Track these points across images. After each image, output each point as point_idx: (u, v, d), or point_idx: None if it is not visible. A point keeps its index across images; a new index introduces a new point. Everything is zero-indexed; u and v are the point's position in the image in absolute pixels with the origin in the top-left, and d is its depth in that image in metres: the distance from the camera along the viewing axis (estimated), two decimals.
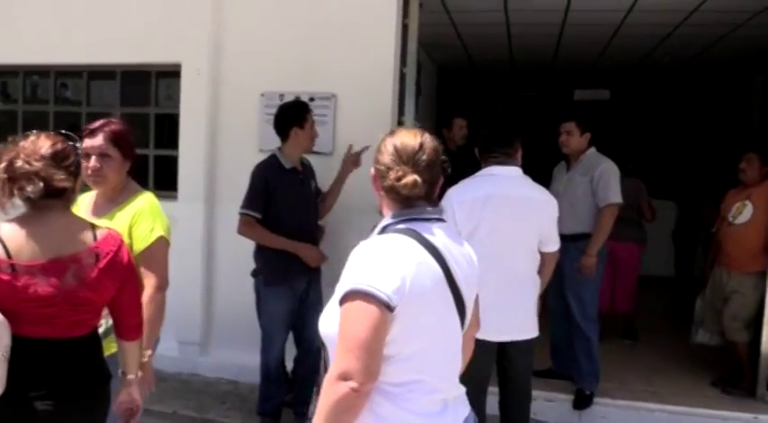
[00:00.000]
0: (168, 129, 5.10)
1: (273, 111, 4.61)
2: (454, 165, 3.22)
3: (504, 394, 3.22)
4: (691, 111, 11.12)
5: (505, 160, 3.07)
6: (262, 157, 4.34)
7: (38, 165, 2.01)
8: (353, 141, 4.16)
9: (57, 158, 2.06)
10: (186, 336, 4.90)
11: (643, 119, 11.34)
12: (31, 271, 1.98)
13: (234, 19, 4.83)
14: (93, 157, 2.56)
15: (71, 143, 2.15)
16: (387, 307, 1.53)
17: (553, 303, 4.58)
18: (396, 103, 4.60)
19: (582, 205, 4.34)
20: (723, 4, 5.43)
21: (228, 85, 4.86)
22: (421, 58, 7.24)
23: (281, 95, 4.67)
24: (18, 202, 2.07)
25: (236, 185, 4.64)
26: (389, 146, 1.74)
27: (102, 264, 2.09)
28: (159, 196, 4.88)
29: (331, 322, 1.61)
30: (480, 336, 2.92)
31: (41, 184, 2.00)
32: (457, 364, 1.77)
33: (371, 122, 4.47)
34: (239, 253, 4.09)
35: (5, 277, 1.96)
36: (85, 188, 2.68)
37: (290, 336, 3.96)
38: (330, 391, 1.51)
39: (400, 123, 4.68)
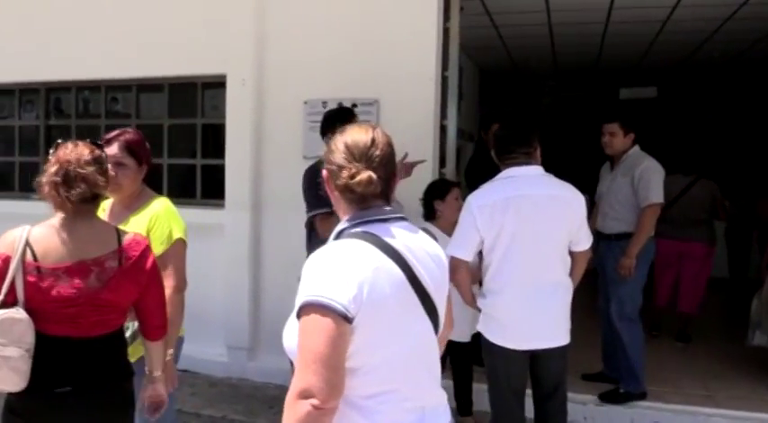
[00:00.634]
0: (214, 139, 5.19)
1: (317, 118, 4.69)
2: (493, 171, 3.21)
3: (538, 402, 3.14)
4: (741, 106, 10.80)
5: (526, 160, 2.98)
6: (306, 163, 4.36)
7: (88, 169, 2.14)
8: (397, 146, 4.15)
9: (98, 164, 2.18)
10: (235, 341, 4.97)
11: (692, 116, 11.08)
12: (55, 273, 2.09)
13: (276, 29, 4.90)
14: (110, 166, 2.64)
15: (103, 152, 2.27)
16: (344, 318, 1.44)
17: (602, 305, 4.51)
18: (438, 107, 4.59)
19: (624, 205, 4.28)
20: None
21: (272, 95, 4.92)
22: (462, 62, 7.23)
23: (324, 103, 4.70)
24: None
25: (282, 193, 4.75)
26: (340, 144, 1.65)
27: (124, 267, 2.18)
28: (207, 205, 5.13)
29: (292, 335, 1.53)
30: (510, 345, 2.95)
31: (87, 188, 2.12)
32: (433, 370, 1.68)
33: (414, 127, 4.49)
34: (285, 259, 4.14)
35: (32, 279, 2.07)
36: None
37: None
38: (291, 411, 1.42)
39: (443, 128, 4.68)
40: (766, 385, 4.59)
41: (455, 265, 2.96)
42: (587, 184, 5.49)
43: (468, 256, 2.96)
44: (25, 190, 5.64)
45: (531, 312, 2.93)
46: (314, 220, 3.67)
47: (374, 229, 1.60)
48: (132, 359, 2.38)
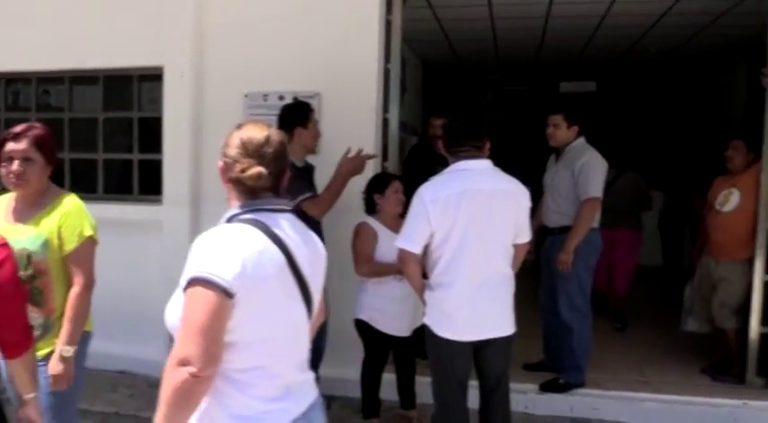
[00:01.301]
0: (152, 133, 5.05)
1: (258, 111, 4.68)
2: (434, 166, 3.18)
3: (483, 392, 3.19)
4: (677, 100, 11.14)
5: (476, 154, 3.01)
6: None
7: None
8: (339, 139, 4.14)
9: None
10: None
11: (630, 109, 11.37)
12: None
13: (216, 20, 4.80)
14: (17, 161, 2.58)
15: None
16: (226, 293, 1.56)
17: (543, 296, 4.59)
18: (380, 100, 4.58)
19: (565, 198, 4.32)
20: None
21: (212, 87, 4.82)
22: (405, 55, 7.24)
23: (265, 96, 4.65)
24: None
25: (222, 188, 4.65)
26: (236, 139, 1.78)
27: None
28: (144, 201, 5.00)
29: (175, 312, 1.64)
30: (457, 337, 2.98)
31: None
32: (302, 351, 1.82)
33: (356, 120, 4.47)
34: None
35: None
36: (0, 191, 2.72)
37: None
38: (170, 378, 1.54)
39: (385, 121, 4.68)
40: (698, 369, 4.76)
41: (405, 257, 2.99)
42: (532, 176, 5.57)
43: (417, 248, 2.97)
44: None
45: (480, 304, 2.96)
46: (301, 207, 3.64)
47: (261, 217, 1.73)
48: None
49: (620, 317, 6.17)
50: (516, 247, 3.08)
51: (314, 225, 3.72)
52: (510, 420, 3.23)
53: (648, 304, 7.02)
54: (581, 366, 4.34)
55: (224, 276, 1.57)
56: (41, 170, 2.63)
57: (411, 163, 5.16)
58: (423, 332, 3.16)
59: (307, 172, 3.88)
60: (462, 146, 3.01)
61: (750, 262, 4.41)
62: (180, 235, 4.80)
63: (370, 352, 3.85)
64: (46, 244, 2.56)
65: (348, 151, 3.86)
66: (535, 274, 4.64)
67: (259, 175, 1.73)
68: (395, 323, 3.76)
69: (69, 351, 2.56)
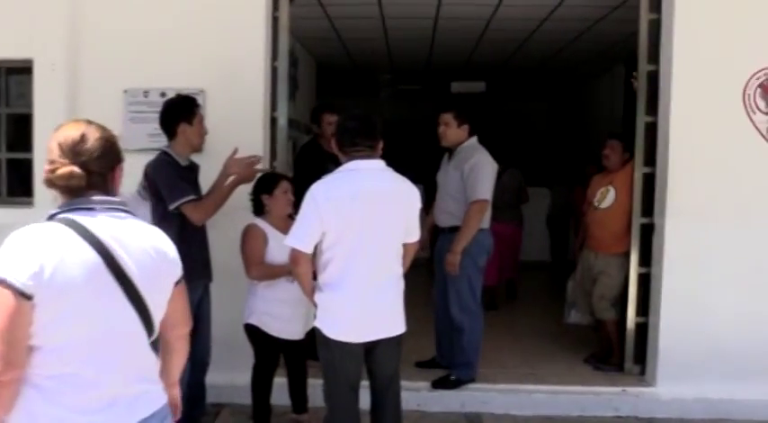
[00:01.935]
0: (21, 130, 4.71)
1: (138, 108, 4.49)
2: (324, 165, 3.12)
3: (374, 392, 3.17)
4: (562, 101, 11.67)
5: (370, 153, 3.00)
6: (127, 157, 4.14)
7: None
8: (226, 137, 4.01)
9: None
10: None
11: (517, 110, 11.80)
12: None
13: (93, 10, 4.53)
14: None
15: None
16: (22, 294, 1.50)
17: (436, 295, 4.64)
18: (268, 98, 4.50)
19: (455, 199, 4.36)
20: None
21: (88, 82, 4.54)
22: (298, 53, 7.16)
23: (146, 92, 4.47)
24: None
25: None
26: (53, 141, 1.76)
27: None
28: (13, 204, 4.66)
29: None
30: (349, 338, 2.96)
31: None
32: (136, 360, 1.72)
33: (243, 119, 4.36)
34: None
35: None
36: None
37: None
38: None
39: (273, 119, 4.59)
40: (581, 360, 4.97)
41: (296, 256, 2.94)
42: (425, 176, 5.62)
43: (309, 247, 2.92)
44: None
45: (370, 304, 2.95)
46: (182, 210, 3.48)
47: (77, 215, 1.67)
48: None
49: (510, 292, 7.07)
50: (406, 246, 3.10)
51: (195, 228, 3.60)
52: (401, 419, 3.23)
53: (537, 298, 7.29)
54: (472, 363, 4.42)
55: (19, 277, 1.50)
56: None
57: (302, 162, 5.09)
58: (313, 334, 3.11)
59: (191, 172, 3.71)
60: (356, 145, 2.99)
61: (627, 255, 4.63)
62: None
63: (260, 357, 3.76)
64: None
65: (235, 151, 3.74)
66: (430, 270, 4.69)
67: (70, 175, 1.68)
68: (287, 326, 3.69)
69: None
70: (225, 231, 3.79)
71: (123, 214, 1.74)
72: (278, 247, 3.52)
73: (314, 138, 5.14)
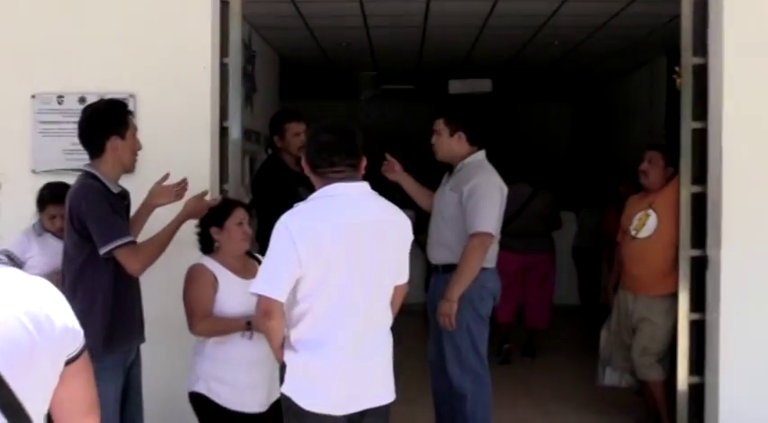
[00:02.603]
0: None
1: (50, 118, 4.50)
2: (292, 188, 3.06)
3: None
4: (589, 102, 11.75)
5: (352, 174, 2.98)
6: (38, 180, 4.16)
7: None
8: (160, 155, 3.99)
9: None
10: None
11: (534, 114, 11.87)
12: None
13: None
14: None
15: None
16: None
17: (432, 350, 4.56)
18: (216, 103, 4.52)
19: (452, 228, 4.32)
20: None
21: None
22: (256, 45, 7.18)
23: (60, 97, 4.50)
24: None
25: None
26: None
27: None
28: None
29: None
30: (330, 410, 2.90)
31: None
32: None
33: (184, 129, 4.37)
34: None
35: None
36: None
37: None
38: None
39: (224, 129, 4.57)
40: None
41: (268, 307, 2.87)
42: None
43: (283, 295, 2.86)
44: None
45: (356, 367, 2.93)
46: (116, 256, 3.40)
47: None
48: None
49: (529, 349, 6.94)
50: (395, 288, 3.08)
51: (129, 276, 3.55)
52: None
53: (561, 352, 7.24)
54: None
55: None
56: None
57: (263, 184, 5.06)
58: (280, 405, 3.07)
59: (122, 201, 3.65)
60: (334, 165, 2.96)
61: (674, 298, 4.61)
62: None
63: None
64: None
65: (165, 176, 3.71)
66: (426, 318, 4.64)
67: None
68: (244, 396, 3.63)
69: None
70: (160, 274, 3.73)
71: None
72: (231, 293, 3.48)
73: (275, 153, 5.12)
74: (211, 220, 3.70)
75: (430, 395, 4.71)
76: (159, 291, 3.83)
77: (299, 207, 2.97)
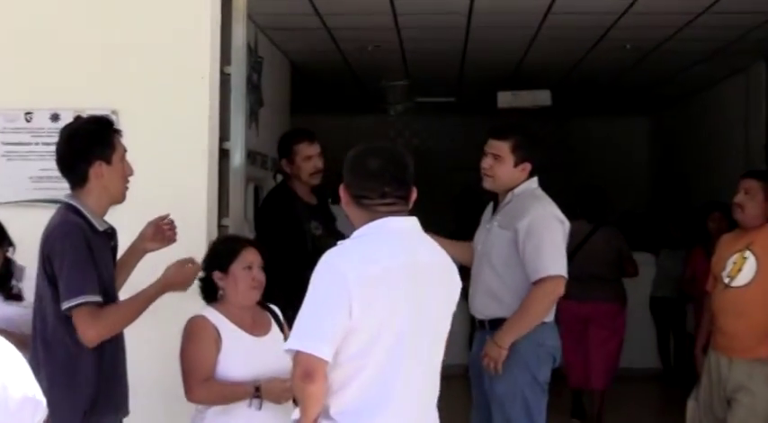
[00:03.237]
0: None
1: (16, 139, 4.56)
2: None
3: None
4: (669, 116, 11.72)
5: (403, 208, 3.00)
6: None
7: None
8: (148, 184, 4.03)
9: None
10: None
11: (599, 132, 11.86)
12: None
13: None
14: None
15: None
16: None
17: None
18: (215, 122, 4.57)
19: (502, 275, 4.34)
20: None
21: None
22: (263, 50, 7.25)
23: (29, 114, 4.58)
24: None
25: None
26: None
27: None
28: None
29: None
30: None
31: None
32: None
33: (176, 152, 4.43)
34: None
35: None
36: None
37: None
38: None
39: (223, 152, 4.62)
40: None
41: (309, 368, 2.81)
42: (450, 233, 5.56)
43: (330, 353, 2.81)
44: None
45: None
46: (73, 316, 3.41)
47: None
48: None
49: (577, 410, 6.97)
50: None
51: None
52: None
53: None
54: None
55: None
56: None
57: (268, 218, 5.10)
58: None
59: (108, 240, 3.67)
60: (385, 196, 2.98)
61: None
62: None
63: None
64: None
65: (163, 217, 3.76)
66: (467, 381, 4.64)
67: None
68: None
69: None
70: (150, 327, 3.76)
71: None
72: (237, 352, 3.51)
73: (284, 180, 5.17)
74: (214, 262, 3.74)
75: None
76: (149, 348, 3.85)
77: (346, 245, 2.99)
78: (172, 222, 3.80)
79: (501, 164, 4.43)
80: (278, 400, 3.52)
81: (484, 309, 4.42)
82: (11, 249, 3.92)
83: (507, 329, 4.22)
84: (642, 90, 10.48)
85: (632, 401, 7.55)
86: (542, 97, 9.41)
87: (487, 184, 4.51)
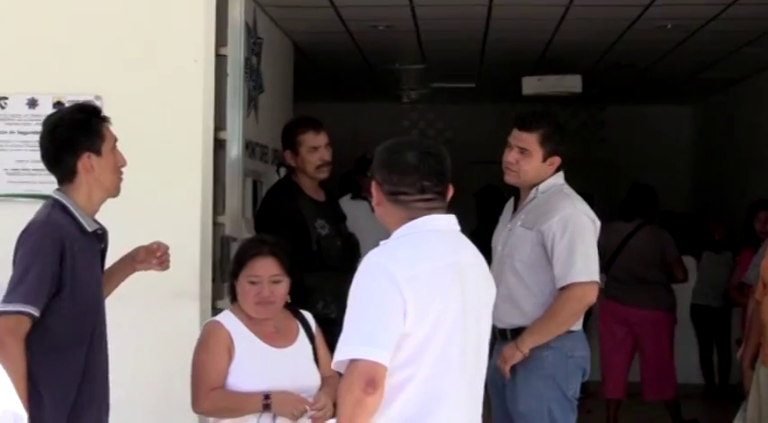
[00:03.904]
0: None
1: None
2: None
3: None
4: (714, 104, 11.71)
5: (442, 204, 3.04)
6: None
7: None
8: (136, 178, 4.05)
9: None
10: None
11: (637, 120, 11.85)
12: None
13: None
14: None
15: None
16: None
17: None
18: (210, 110, 4.60)
19: (524, 280, 4.36)
20: None
21: None
22: (263, 31, 7.26)
23: (4, 99, 4.64)
24: None
25: None
26: None
27: None
28: None
29: None
30: None
31: None
32: None
33: (166, 143, 4.48)
34: None
35: None
36: None
37: None
38: None
39: (219, 143, 4.63)
40: None
41: (372, 376, 2.81)
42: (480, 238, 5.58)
43: (389, 358, 2.84)
44: None
45: None
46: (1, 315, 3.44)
47: None
48: None
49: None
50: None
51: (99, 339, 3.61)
52: None
53: None
54: None
55: None
56: None
57: (269, 216, 5.11)
58: None
59: (98, 242, 3.70)
60: (425, 192, 3.02)
61: None
62: None
63: None
64: None
65: (158, 245, 3.81)
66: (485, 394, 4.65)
67: None
68: None
69: None
70: (149, 332, 3.79)
71: None
72: (250, 362, 3.59)
73: (288, 174, 5.17)
74: (232, 266, 3.79)
75: None
76: (143, 347, 3.87)
77: (391, 245, 3.01)
78: (166, 251, 3.83)
79: (528, 158, 4.44)
80: (290, 413, 3.55)
81: (505, 317, 4.40)
82: None
83: (530, 333, 4.27)
84: (685, 75, 10.45)
85: (671, 421, 7.53)
86: (572, 83, 9.39)
87: (511, 178, 4.52)
